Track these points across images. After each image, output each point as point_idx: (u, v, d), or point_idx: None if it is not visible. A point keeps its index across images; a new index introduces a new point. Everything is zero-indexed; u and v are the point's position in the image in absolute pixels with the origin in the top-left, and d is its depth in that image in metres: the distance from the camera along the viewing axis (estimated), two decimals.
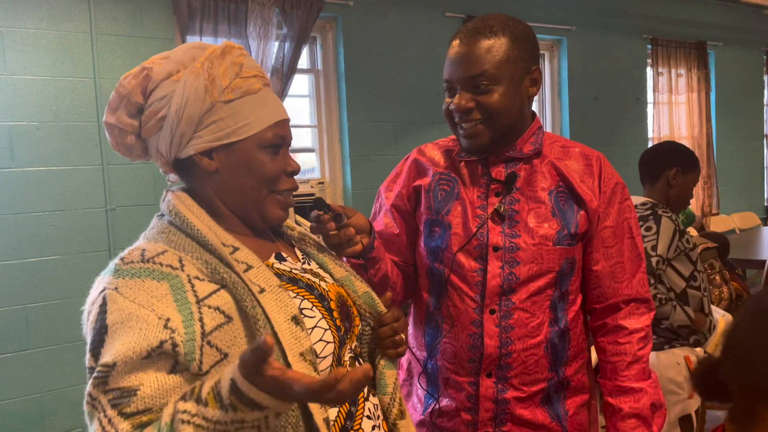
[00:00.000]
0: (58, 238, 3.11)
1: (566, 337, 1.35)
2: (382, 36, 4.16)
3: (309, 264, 1.12)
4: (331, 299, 1.04)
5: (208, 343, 0.89)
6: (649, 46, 5.62)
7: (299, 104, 4.11)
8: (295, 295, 0.99)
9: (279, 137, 1.03)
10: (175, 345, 0.86)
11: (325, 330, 0.99)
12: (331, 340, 1.00)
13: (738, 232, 5.91)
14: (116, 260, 0.94)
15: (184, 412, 0.81)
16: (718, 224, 5.93)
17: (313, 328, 0.98)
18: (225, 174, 1.01)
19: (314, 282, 1.05)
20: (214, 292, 0.92)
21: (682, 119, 5.93)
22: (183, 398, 0.84)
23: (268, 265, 1.02)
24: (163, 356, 0.87)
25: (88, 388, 0.86)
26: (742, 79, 6.47)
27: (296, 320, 0.94)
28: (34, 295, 3.06)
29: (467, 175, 1.39)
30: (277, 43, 3.71)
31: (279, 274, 1.01)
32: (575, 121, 5.04)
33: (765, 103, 6.79)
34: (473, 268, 1.32)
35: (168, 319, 0.87)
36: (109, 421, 0.84)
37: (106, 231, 3.23)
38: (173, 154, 1.01)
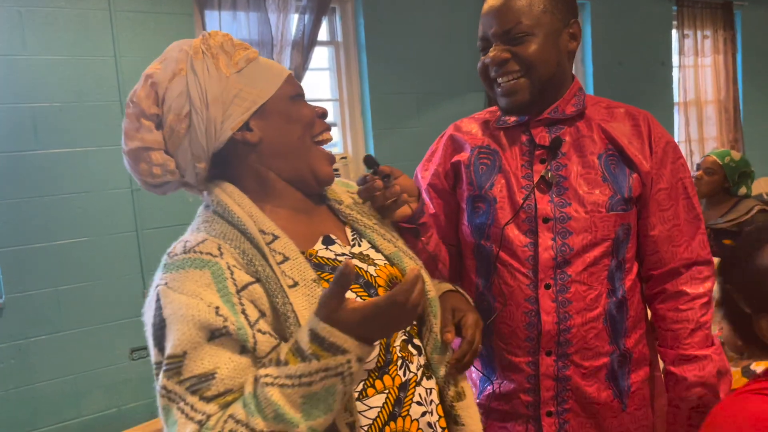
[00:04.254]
0: (85, 219, 3.10)
1: (624, 308, 1.30)
2: (402, 5, 4.06)
3: (359, 245, 1.07)
4: (379, 285, 1.02)
5: (259, 330, 0.89)
6: (675, 8, 5.46)
7: (320, 77, 4.05)
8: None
9: (297, 87, 1.05)
10: (230, 333, 0.87)
11: None
12: None
13: (766, 196, 5.79)
14: (165, 258, 0.95)
15: (266, 375, 0.83)
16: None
17: None
18: (268, 138, 1.00)
19: (361, 269, 1.03)
20: (250, 284, 0.92)
21: (708, 82, 5.79)
22: (262, 366, 0.85)
23: (311, 254, 1.01)
24: (227, 339, 0.87)
25: (161, 381, 0.87)
26: None
27: None
28: (64, 278, 3.06)
29: (508, 144, 1.33)
30: (296, 16, 3.63)
31: (321, 264, 1.00)
32: (600, 87, 4.92)
33: None
34: (523, 243, 1.27)
35: (217, 308, 0.87)
36: (192, 407, 0.84)
37: (133, 211, 3.21)
38: (211, 147, 0.99)
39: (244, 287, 0.91)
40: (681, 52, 5.57)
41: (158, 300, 0.89)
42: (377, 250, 1.08)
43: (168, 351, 0.86)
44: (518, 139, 1.32)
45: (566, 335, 1.27)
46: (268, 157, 1.01)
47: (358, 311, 0.80)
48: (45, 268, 3.01)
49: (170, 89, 0.97)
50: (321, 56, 4.02)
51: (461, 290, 1.19)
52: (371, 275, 1.02)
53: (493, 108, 1.42)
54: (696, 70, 5.68)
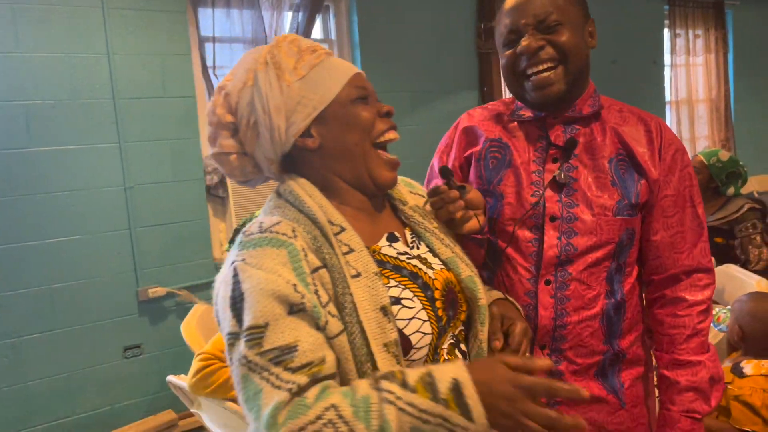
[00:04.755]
0: (78, 217, 3.09)
1: (622, 310, 1.31)
2: (396, 3, 4.06)
3: (418, 248, 1.10)
4: (436, 288, 1.04)
5: (329, 312, 0.92)
6: (666, 7, 5.49)
7: None
8: (396, 284, 1.00)
9: (360, 89, 1.05)
10: (306, 309, 0.90)
11: (424, 321, 0.99)
12: (429, 332, 0.99)
13: (756, 194, 5.83)
14: (240, 236, 0.98)
15: (390, 392, 0.84)
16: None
17: (410, 319, 0.97)
18: (328, 143, 1.03)
19: (420, 270, 1.04)
20: (320, 268, 0.95)
21: (699, 81, 5.82)
22: (385, 378, 0.87)
23: (375, 250, 1.04)
24: (304, 314, 0.90)
25: (242, 351, 0.88)
26: (759, 39, 6.33)
27: (385, 311, 0.95)
28: (57, 276, 3.05)
29: (521, 138, 1.33)
30: (290, 13, 3.63)
31: (383, 261, 1.03)
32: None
33: None
34: (528, 238, 1.28)
35: (295, 285, 0.90)
36: (277, 377, 0.86)
37: (126, 209, 3.21)
38: (278, 152, 1.04)
39: (315, 270, 0.94)
40: (673, 51, 5.60)
41: (236, 275, 0.91)
42: (434, 254, 1.10)
43: (248, 322, 0.88)
44: (532, 134, 1.33)
45: (562, 331, 1.28)
46: (329, 161, 1.04)
47: (504, 385, 0.84)
48: (38, 266, 3.01)
49: (241, 99, 1.03)
50: None
51: (511, 298, 1.20)
52: (430, 277, 1.05)
53: (508, 99, 1.42)
54: (687, 69, 5.71)
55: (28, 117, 2.96)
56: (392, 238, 1.08)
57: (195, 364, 1.71)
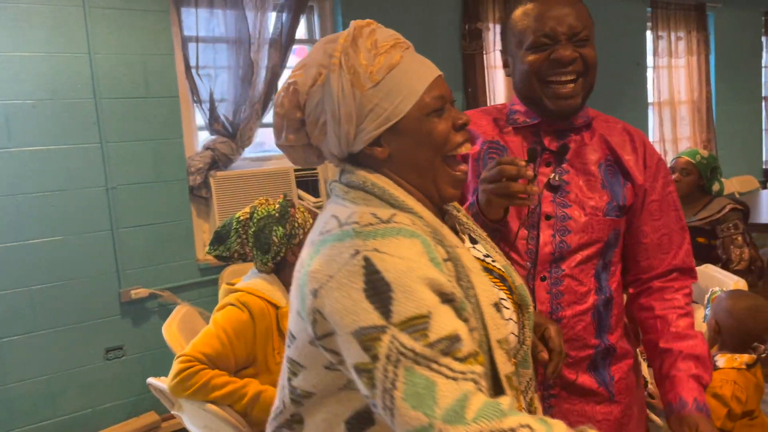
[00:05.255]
0: (59, 218, 3.06)
1: (610, 305, 1.38)
2: (381, 4, 4.07)
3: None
4: (513, 292, 1.05)
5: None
6: (649, 9, 5.55)
7: None
8: (492, 284, 0.99)
9: (438, 99, 0.98)
10: (455, 300, 0.87)
11: (515, 324, 1.00)
12: (516, 334, 1.00)
13: (737, 195, 5.91)
14: (343, 228, 0.90)
15: None
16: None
17: (507, 320, 0.98)
18: (398, 155, 0.98)
19: (503, 273, 1.05)
20: (447, 260, 0.91)
21: (681, 83, 5.88)
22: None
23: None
24: (452, 305, 0.87)
25: (403, 343, 0.81)
26: (740, 42, 6.41)
27: (497, 306, 0.93)
28: (38, 277, 3.02)
29: (517, 142, 1.39)
30: (274, 14, 3.63)
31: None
32: None
33: (763, 65, 6.74)
34: (523, 236, 1.33)
35: (435, 277, 0.86)
36: (448, 367, 0.80)
37: (108, 210, 3.18)
38: (346, 152, 1.00)
39: (445, 261, 0.91)
40: (655, 53, 5.66)
41: (371, 265, 0.84)
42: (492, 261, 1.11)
43: (407, 313, 0.82)
44: (527, 139, 1.39)
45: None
46: (398, 168, 1.00)
47: None
48: (18, 268, 2.98)
49: (310, 97, 0.98)
50: (300, 55, 4.02)
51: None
52: (512, 282, 1.06)
53: (500, 105, 1.48)
54: (670, 70, 5.77)
55: (8, 117, 2.93)
56: (473, 240, 1.07)
57: (175, 366, 1.70)
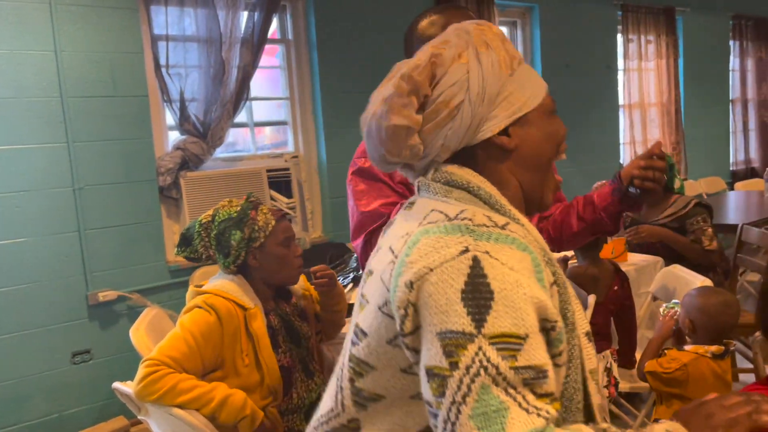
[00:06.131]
0: (24, 220, 3.00)
1: None
2: (354, 3, 4.06)
3: None
4: None
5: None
6: (620, 13, 5.62)
7: (270, 76, 4.01)
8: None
9: (554, 102, 1.00)
10: (554, 330, 0.81)
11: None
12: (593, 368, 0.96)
13: (705, 196, 6.02)
14: (454, 222, 0.84)
15: None
16: (686, 189, 6.03)
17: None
18: (524, 148, 0.95)
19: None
20: (553, 283, 0.85)
21: (651, 86, 5.97)
22: None
23: None
24: (545, 336, 0.80)
25: (489, 358, 0.74)
26: (709, 45, 6.53)
27: (589, 336, 0.91)
28: (2, 280, 2.95)
29: None
30: (246, 13, 3.59)
31: None
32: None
33: (731, 68, 6.87)
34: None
35: (544, 300, 0.80)
36: (524, 398, 0.74)
37: (75, 211, 3.12)
38: (466, 142, 0.93)
39: (551, 285, 0.85)
40: (626, 56, 5.73)
41: (479, 266, 0.78)
42: None
43: (502, 328, 0.75)
44: None
45: None
46: (517, 166, 0.96)
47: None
48: None
49: (448, 75, 0.91)
50: (272, 54, 3.99)
51: None
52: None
53: None
54: (640, 73, 5.85)
55: None
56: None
57: (140, 371, 1.67)
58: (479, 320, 0.75)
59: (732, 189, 6.49)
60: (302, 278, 2.05)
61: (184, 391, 1.67)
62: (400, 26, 4.21)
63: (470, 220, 0.84)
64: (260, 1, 3.59)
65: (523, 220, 0.91)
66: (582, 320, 0.91)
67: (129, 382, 1.76)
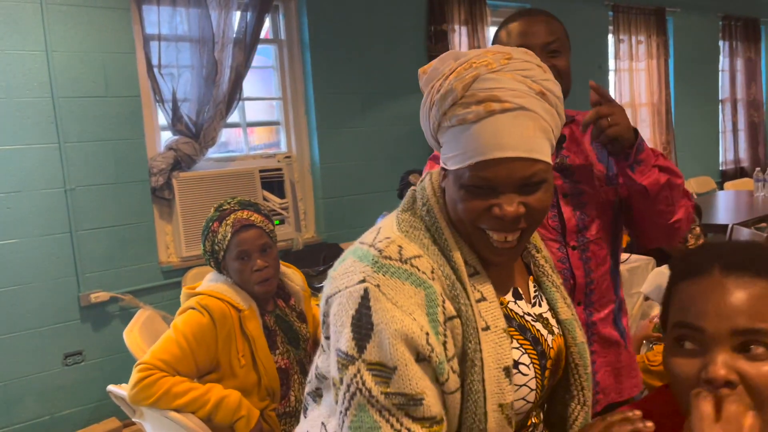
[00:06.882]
0: (15, 221, 2.98)
1: (618, 265, 1.56)
2: (347, 4, 4.06)
3: (540, 305, 1.05)
4: (549, 357, 1.00)
5: (452, 368, 0.88)
6: (611, 14, 5.65)
7: (263, 76, 4.00)
8: (518, 345, 0.96)
9: (482, 181, 0.96)
10: (431, 361, 0.86)
11: (531, 391, 0.96)
12: (532, 401, 0.97)
13: (695, 196, 6.06)
14: (370, 249, 0.90)
15: None
16: None
17: (521, 386, 0.94)
18: (447, 194, 0.99)
19: (541, 336, 1.00)
20: (454, 317, 0.90)
21: (642, 86, 6.01)
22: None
23: (503, 302, 0.98)
24: (428, 364, 0.86)
25: (364, 381, 0.84)
26: (699, 46, 6.58)
27: (507, 372, 0.91)
28: None
29: None
30: (238, 13, 3.59)
31: (510, 317, 0.98)
32: None
33: (721, 68, 6.92)
34: (549, 214, 1.46)
35: (428, 334, 0.85)
36: (398, 420, 0.83)
37: (66, 212, 3.10)
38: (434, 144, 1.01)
39: (450, 319, 0.89)
40: (617, 56, 5.76)
41: (366, 298, 0.86)
42: (554, 313, 1.05)
43: (375, 357, 0.84)
44: None
45: (591, 286, 1.48)
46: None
47: None
48: None
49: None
50: (265, 54, 3.98)
51: None
52: (548, 345, 1.00)
53: None
54: (631, 73, 5.88)
55: None
56: (517, 295, 1.02)
57: (134, 375, 1.66)
58: (361, 347, 0.85)
59: (722, 189, 6.53)
60: (302, 278, 2.04)
61: (179, 394, 1.66)
62: (392, 26, 4.24)
63: (380, 251, 0.90)
64: (253, 1, 3.58)
65: (457, 253, 0.92)
66: (501, 354, 0.90)
67: (124, 384, 1.76)
